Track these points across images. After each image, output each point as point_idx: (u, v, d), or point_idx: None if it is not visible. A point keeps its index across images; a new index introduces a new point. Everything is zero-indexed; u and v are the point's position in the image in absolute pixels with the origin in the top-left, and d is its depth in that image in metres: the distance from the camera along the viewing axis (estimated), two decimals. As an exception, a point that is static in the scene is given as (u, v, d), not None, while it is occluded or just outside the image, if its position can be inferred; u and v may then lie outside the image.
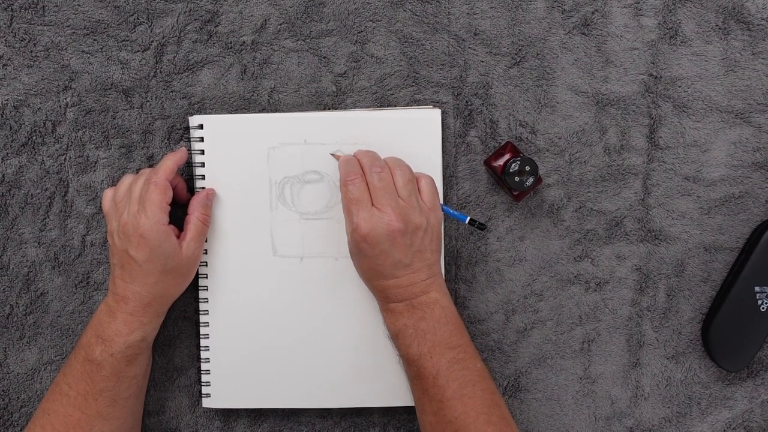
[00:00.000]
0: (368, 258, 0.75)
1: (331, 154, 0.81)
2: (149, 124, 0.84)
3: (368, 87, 0.83)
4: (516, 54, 0.83)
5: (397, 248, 0.74)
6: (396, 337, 0.77)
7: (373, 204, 0.74)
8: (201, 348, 0.83)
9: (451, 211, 0.79)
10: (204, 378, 0.83)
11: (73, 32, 0.83)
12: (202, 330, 0.83)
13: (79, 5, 0.83)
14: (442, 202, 0.81)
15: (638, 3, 0.82)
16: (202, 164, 0.82)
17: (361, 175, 0.75)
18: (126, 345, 0.75)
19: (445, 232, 0.83)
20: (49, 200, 0.84)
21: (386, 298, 0.76)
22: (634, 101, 0.83)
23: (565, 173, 0.83)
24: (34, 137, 0.84)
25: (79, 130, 0.84)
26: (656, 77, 0.83)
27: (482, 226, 0.78)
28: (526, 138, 0.83)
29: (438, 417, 0.73)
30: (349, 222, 0.75)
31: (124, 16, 0.83)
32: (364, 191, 0.74)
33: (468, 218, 0.79)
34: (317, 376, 0.83)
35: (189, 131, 0.83)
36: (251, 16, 0.83)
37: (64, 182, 0.84)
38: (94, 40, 0.83)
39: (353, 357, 0.82)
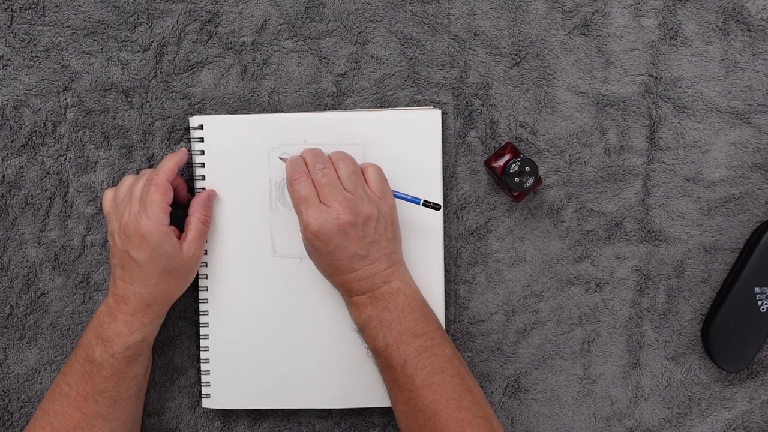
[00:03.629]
0: (324, 255, 0.75)
1: (280, 158, 0.81)
2: (149, 124, 0.84)
3: (368, 87, 0.83)
4: (516, 54, 0.83)
5: (350, 241, 0.74)
6: (362, 330, 0.77)
7: (320, 200, 0.74)
8: (201, 348, 0.83)
9: (404, 195, 0.79)
10: (204, 378, 0.83)
11: (74, 33, 0.83)
12: (202, 330, 0.83)
13: (79, 6, 0.83)
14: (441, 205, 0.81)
15: (638, 4, 0.82)
16: (203, 165, 0.82)
17: (306, 173, 0.76)
18: (126, 346, 0.75)
19: (445, 232, 0.83)
20: (49, 201, 0.84)
21: (349, 292, 0.77)
22: (634, 102, 0.83)
23: (565, 174, 0.83)
24: (34, 138, 0.84)
25: (79, 130, 0.84)
26: (656, 78, 0.83)
27: (437, 206, 0.78)
28: (526, 139, 0.83)
29: (409, 406, 0.73)
30: (300, 221, 0.75)
31: (125, 16, 0.83)
32: (311, 189, 0.75)
33: (422, 201, 0.78)
34: (317, 376, 0.83)
35: (189, 132, 0.83)
36: (251, 17, 0.83)
37: (64, 183, 0.84)
38: (95, 40, 0.83)
39: (353, 357, 0.82)
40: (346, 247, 0.74)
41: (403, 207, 0.81)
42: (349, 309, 0.79)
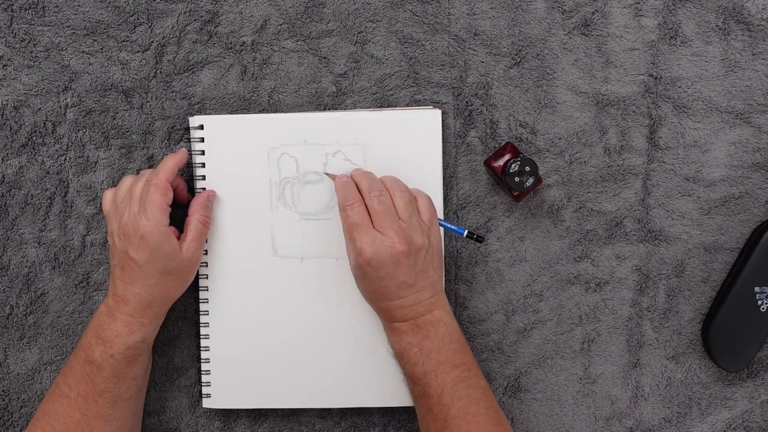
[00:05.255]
0: (372, 281, 0.75)
1: (326, 174, 0.81)
2: (149, 124, 0.84)
3: (368, 87, 0.83)
4: (516, 54, 0.83)
5: (401, 270, 0.74)
6: (401, 356, 0.76)
7: (374, 227, 0.74)
8: (201, 348, 0.83)
9: (449, 224, 0.79)
10: (204, 378, 0.83)
11: (73, 33, 0.83)
12: (202, 330, 0.83)
13: (79, 6, 0.83)
14: (440, 216, 0.81)
15: (638, 3, 0.82)
16: (203, 165, 0.82)
17: (360, 200, 0.75)
18: (126, 346, 0.75)
19: (445, 232, 0.83)
20: (49, 200, 0.84)
21: (391, 318, 0.76)
22: (634, 102, 0.83)
23: (565, 174, 0.83)
24: (34, 138, 0.84)
25: (79, 130, 0.84)
26: (656, 78, 0.83)
27: (480, 239, 0.79)
28: (526, 138, 0.83)
29: None
30: (353, 247, 0.75)
31: (124, 16, 0.83)
32: (365, 215, 0.75)
33: (466, 231, 0.79)
34: (317, 376, 0.83)
35: (189, 132, 0.83)
36: (251, 17, 0.83)
37: (64, 183, 0.84)
38: (94, 40, 0.83)
39: (353, 357, 0.82)
40: (396, 275, 0.74)
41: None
42: (388, 334, 0.79)
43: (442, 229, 0.82)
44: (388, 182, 0.77)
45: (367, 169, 0.81)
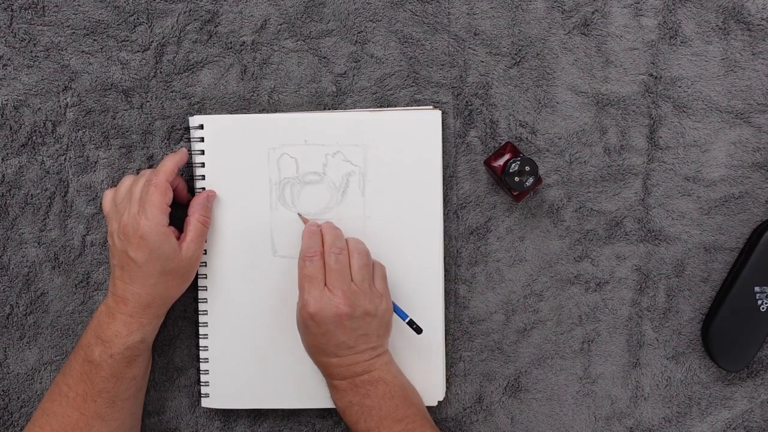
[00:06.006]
0: (313, 335, 0.76)
1: (299, 215, 0.81)
2: (149, 124, 0.84)
3: (368, 87, 0.83)
4: (516, 54, 0.83)
5: (342, 330, 0.75)
6: (343, 414, 0.78)
7: (326, 284, 0.75)
8: (200, 348, 0.83)
9: (397, 308, 0.80)
10: (203, 378, 0.83)
11: (73, 32, 0.83)
12: (201, 330, 0.83)
13: (79, 5, 0.83)
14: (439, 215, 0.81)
15: (638, 3, 0.82)
16: (203, 164, 0.82)
17: (320, 253, 0.76)
18: (125, 346, 0.75)
19: (445, 232, 0.83)
20: (49, 200, 0.84)
21: (330, 375, 0.78)
22: (634, 101, 0.83)
23: (565, 173, 0.83)
24: (34, 137, 0.84)
25: (79, 130, 0.84)
26: (656, 77, 0.83)
27: (419, 330, 0.80)
28: (526, 138, 0.83)
29: None
30: (300, 297, 0.76)
31: (124, 16, 0.83)
32: (320, 269, 0.76)
33: (408, 318, 0.80)
34: (317, 376, 0.83)
35: (189, 131, 0.83)
36: (251, 17, 0.83)
37: (64, 182, 0.84)
38: (94, 40, 0.83)
39: (353, 357, 0.82)
40: (336, 334, 0.75)
41: (407, 204, 0.81)
42: (330, 391, 0.80)
43: (439, 232, 0.82)
44: (351, 243, 0.78)
45: (368, 170, 0.81)
